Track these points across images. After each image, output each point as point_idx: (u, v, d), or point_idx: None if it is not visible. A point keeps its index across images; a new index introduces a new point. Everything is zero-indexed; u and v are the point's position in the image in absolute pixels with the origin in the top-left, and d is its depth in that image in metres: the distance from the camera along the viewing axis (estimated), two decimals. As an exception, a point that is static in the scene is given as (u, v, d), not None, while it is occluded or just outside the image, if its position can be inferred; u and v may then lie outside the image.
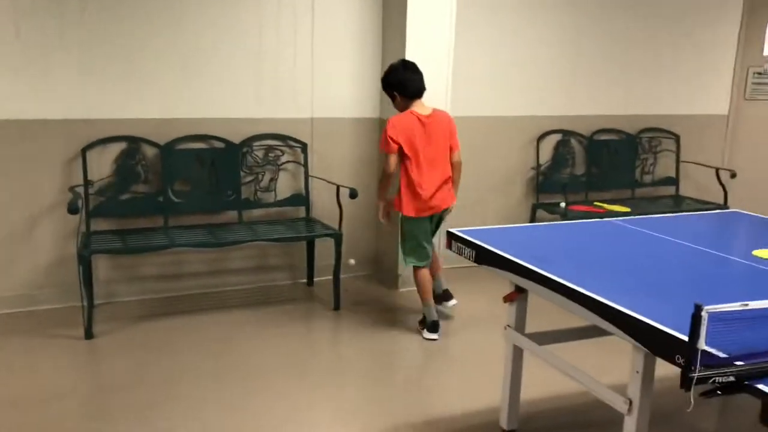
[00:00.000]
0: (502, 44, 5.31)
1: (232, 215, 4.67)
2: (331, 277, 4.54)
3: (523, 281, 2.55)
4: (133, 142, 4.36)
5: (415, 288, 4.22)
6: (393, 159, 3.98)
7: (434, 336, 4.10)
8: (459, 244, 2.92)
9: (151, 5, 4.25)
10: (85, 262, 3.88)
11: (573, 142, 5.72)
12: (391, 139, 3.93)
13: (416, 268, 4.16)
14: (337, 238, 4.45)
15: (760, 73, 6.35)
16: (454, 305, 4.41)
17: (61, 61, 4.12)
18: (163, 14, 4.30)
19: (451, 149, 4.12)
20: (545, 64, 5.51)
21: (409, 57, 4.52)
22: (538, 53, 5.46)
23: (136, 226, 4.42)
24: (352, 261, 4.80)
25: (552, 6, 5.43)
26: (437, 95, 4.61)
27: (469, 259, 2.83)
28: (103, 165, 4.32)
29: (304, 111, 4.77)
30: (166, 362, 3.68)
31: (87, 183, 4.24)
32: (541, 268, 2.46)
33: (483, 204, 5.43)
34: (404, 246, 4.19)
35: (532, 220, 5.58)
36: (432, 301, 4.17)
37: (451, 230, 3.01)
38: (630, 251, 2.87)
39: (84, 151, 4.23)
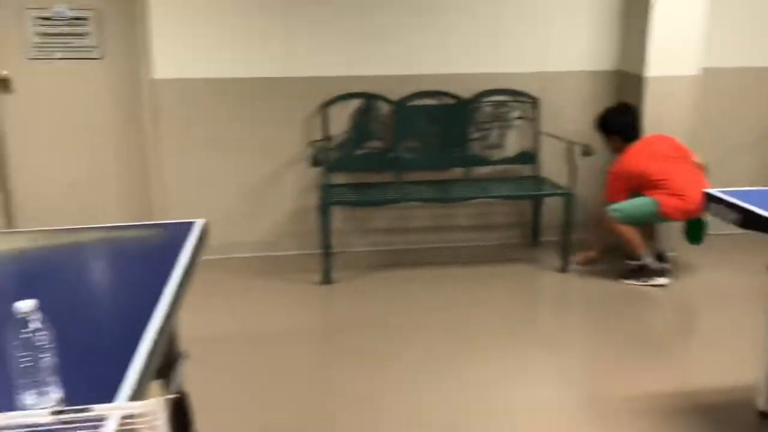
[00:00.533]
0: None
1: (459, 172, 4.66)
2: (557, 238, 4.41)
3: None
4: (369, 99, 4.50)
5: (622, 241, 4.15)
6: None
7: (664, 280, 4.08)
8: (720, 207, 2.64)
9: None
10: (325, 213, 4.11)
11: None
12: (617, 184, 4.10)
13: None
14: (568, 197, 4.27)
15: None
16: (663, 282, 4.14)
17: (306, 21, 4.33)
18: (399, -29, 4.36)
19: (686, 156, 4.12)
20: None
21: None
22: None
23: (369, 180, 4.57)
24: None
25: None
26: (688, 44, 4.22)
27: (733, 224, 2.55)
28: (341, 121, 4.51)
29: (536, 64, 4.59)
30: (391, 312, 3.81)
31: (327, 138, 4.47)
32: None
33: (730, 166, 4.90)
34: (629, 212, 4.05)
35: (790, 185, 4.96)
36: (646, 249, 4.11)
37: (709, 191, 2.73)
38: None
39: (324, 107, 4.45)
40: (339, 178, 4.56)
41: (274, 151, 4.49)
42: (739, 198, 2.59)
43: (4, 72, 4.22)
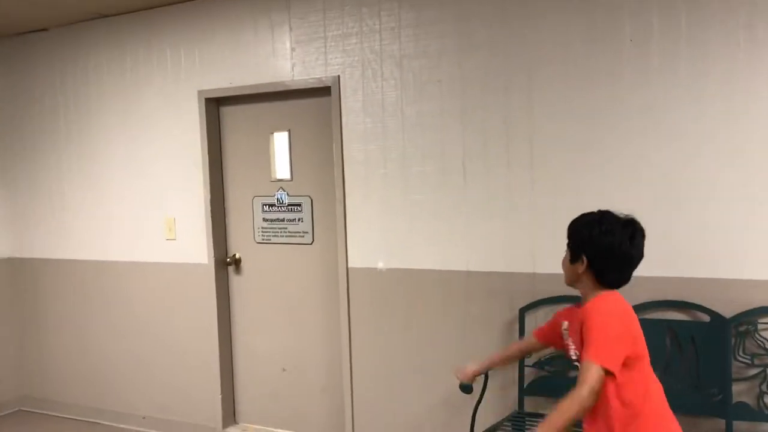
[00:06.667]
0: None
1: (717, 425, 3.09)
2: None
3: None
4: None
5: None
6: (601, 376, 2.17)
7: None
8: None
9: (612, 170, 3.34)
10: (472, 451, 3.10)
11: None
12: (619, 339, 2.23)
13: None
14: None
15: None
16: None
17: (503, 209, 3.59)
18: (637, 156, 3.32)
19: None
20: None
21: None
22: None
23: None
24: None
25: None
26: None
27: None
28: (547, 331, 3.50)
29: None
30: None
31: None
32: None
33: None
34: None
35: None
36: None
37: None
38: None
39: (522, 311, 3.51)
40: (537, 404, 3.47)
41: (466, 357, 3.66)
42: None
43: (238, 254, 4.48)
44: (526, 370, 3.51)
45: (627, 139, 3.30)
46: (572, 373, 3.37)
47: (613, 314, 2.27)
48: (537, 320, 3.49)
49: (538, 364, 3.49)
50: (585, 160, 3.40)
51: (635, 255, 2.35)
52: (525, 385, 3.50)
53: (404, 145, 3.83)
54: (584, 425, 2.37)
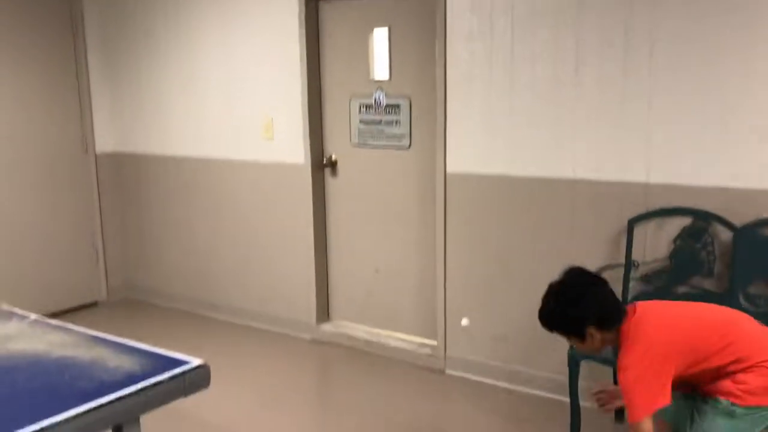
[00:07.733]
0: None
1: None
2: None
3: None
4: (702, 219, 3.21)
5: None
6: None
7: None
8: None
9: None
10: (573, 365, 3.05)
11: None
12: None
13: None
14: None
15: None
16: None
17: (617, 117, 3.37)
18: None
19: None
20: None
21: None
22: None
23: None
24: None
25: None
26: None
27: None
28: (657, 244, 3.34)
29: None
30: None
31: (630, 264, 3.35)
32: None
33: None
34: None
35: None
36: None
37: None
38: None
39: (632, 223, 3.35)
40: (645, 320, 3.37)
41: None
42: None
43: (334, 156, 4.46)
44: (631, 283, 3.39)
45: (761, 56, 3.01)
46: (679, 289, 3.26)
47: (643, 358, 2.26)
48: (647, 233, 3.35)
49: (644, 278, 3.37)
50: (711, 73, 3.12)
51: (600, 283, 2.46)
52: (627, 300, 3.40)
53: (512, 46, 3.62)
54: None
